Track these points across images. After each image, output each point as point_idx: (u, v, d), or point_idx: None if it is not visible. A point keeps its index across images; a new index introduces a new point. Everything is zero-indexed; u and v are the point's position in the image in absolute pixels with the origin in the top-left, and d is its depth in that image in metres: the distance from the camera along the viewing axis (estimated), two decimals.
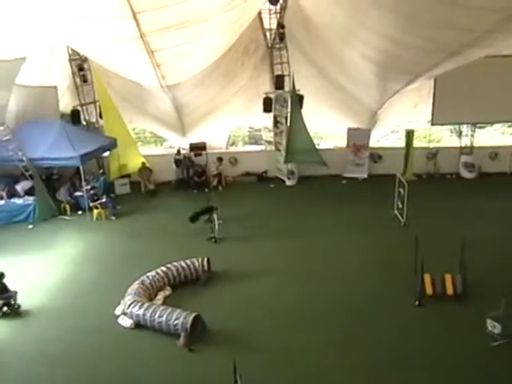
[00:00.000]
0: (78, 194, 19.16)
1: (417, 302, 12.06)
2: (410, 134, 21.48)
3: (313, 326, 11.39)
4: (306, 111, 20.01)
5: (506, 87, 20.59)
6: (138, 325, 11.40)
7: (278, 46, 20.11)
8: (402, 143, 22.59)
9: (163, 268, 13.12)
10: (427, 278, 12.35)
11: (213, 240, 15.74)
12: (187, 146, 21.76)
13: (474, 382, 9.64)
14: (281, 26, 19.23)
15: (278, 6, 18.60)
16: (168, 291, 12.83)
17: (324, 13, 16.07)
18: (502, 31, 11.05)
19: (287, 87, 20.22)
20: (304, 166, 21.42)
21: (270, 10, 18.90)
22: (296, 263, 14.36)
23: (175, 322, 10.90)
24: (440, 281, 12.42)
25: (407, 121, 22.79)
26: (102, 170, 21.16)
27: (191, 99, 19.31)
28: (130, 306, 11.54)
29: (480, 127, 23.54)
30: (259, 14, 18.55)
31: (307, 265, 14.26)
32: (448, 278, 12.45)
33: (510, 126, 23.54)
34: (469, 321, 11.39)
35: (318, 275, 13.62)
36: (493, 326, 10.80)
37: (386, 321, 11.53)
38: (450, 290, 12.33)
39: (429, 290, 12.29)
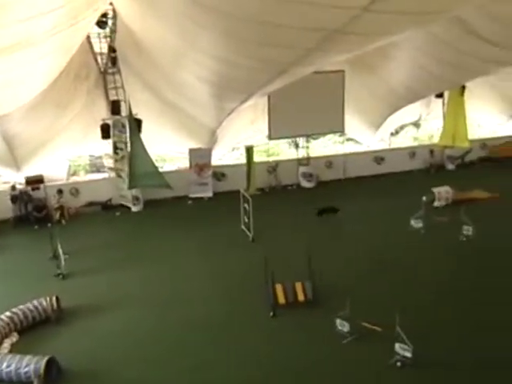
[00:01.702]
0: None
1: (271, 313, 12.39)
2: (249, 150, 22.13)
3: (174, 352, 11.22)
4: (146, 135, 19.85)
5: (333, 100, 22.03)
6: None
7: (110, 70, 19.67)
8: (244, 159, 23.16)
9: (7, 313, 12.06)
10: (279, 288, 12.76)
11: (60, 276, 14.99)
12: (23, 180, 20.59)
13: (332, 381, 10.12)
14: (112, 49, 18.69)
15: (108, 30, 18.02)
16: (15, 337, 11.79)
17: (155, 36, 16.06)
18: (323, 49, 11.74)
19: (124, 112, 19.97)
20: (149, 191, 21.17)
21: (99, 33, 18.32)
22: (150, 291, 14.07)
23: (26, 370, 9.89)
24: (291, 289, 12.89)
25: (246, 137, 23.45)
26: None
27: (22, 130, 18.33)
28: None
29: (314, 138, 24.91)
30: (88, 37, 18.03)
31: (162, 291, 14.02)
32: (298, 285, 12.94)
33: (340, 136, 25.06)
34: (321, 323, 11.90)
35: (174, 300, 13.44)
36: (342, 325, 11.39)
37: (246, 336, 11.70)
38: (301, 297, 12.82)
39: (281, 300, 12.69)
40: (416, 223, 17.45)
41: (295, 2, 9.07)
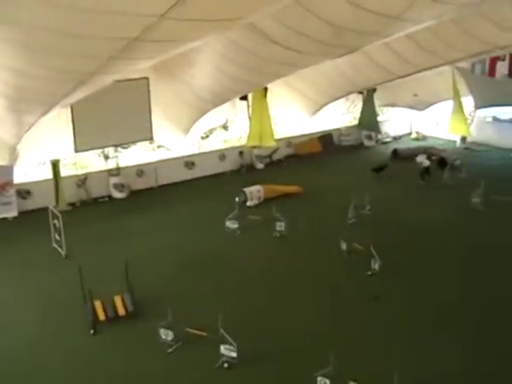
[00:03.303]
0: None
1: (92, 331, 11.94)
2: (55, 164, 21.06)
3: None
4: None
5: (139, 108, 21.82)
6: None
7: None
8: (51, 174, 22.02)
9: None
10: (98, 304, 12.36)
11: None
12: None
13: None
14: None
15: None
16: None
17: None
18: (125, 58, 11.54)
19: None
20: None
21: None
22: None
23: None
24: (110, 304, 12.53)
25: (51, 150, 22.32)
26: None
27: None
28: None
29: (125, 147, 24.39)
30: None
31: None
32: (118, 299, 12.65)
33: (150, 143, 24.86)
34: (145, 335, 11.77)
35: None
36: (166, 334, 11.32)
37: (67, 357, 11.22)
38: (121, 311, 12.53)
39: (101, 316, 12.31)
40: (231, 224, 17.87)
41: (93, 12, 8.79)
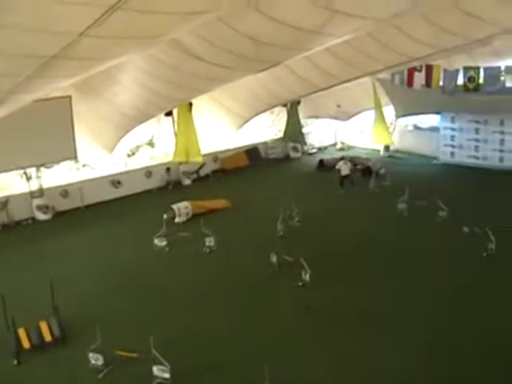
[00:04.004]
0: None
1: (15, 361, 11.44)
2: None
3: None
4: None
5: (62, 127, 21.27)
6: None
7: None
8: None
9: None
10: (21, 331, 11.85)
11: None
12: None
13: None
14: None
15: None
16: None
17: None
18: (44, 76, 11.26)
19: None
20: None
21: None
22: None
23: None
24: (36, 330, 12.06)
25: None
26: None
27: None
28: None
29: (48, 167, 23.69)
30: None
31: None
32: (43, 324, 12.20)
33: (75, 162, 24.30)
34: (73, 361, 11.39)
35: None
36: (96, 359, 11.00)
37: None
38: (48, 337, 12.09)
39: (26, 344, 11.81)
40: (160, 241, 17.68)
41: (8, 29, 8.53)
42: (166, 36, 11.70)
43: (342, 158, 24.82)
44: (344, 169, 23.58)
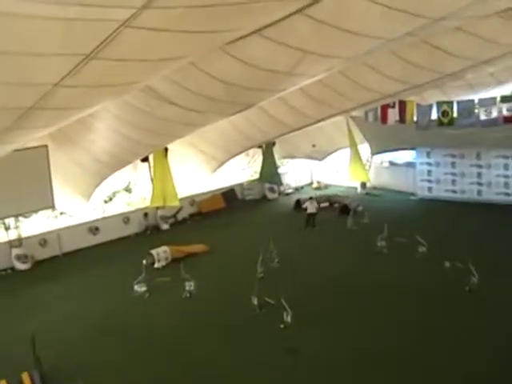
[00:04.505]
0: None
1: None
2: None
3: None
4: None
5: (39, 176, 21.23)
6: None
7: None
8: None
9: None
10: None
11: None
12: None
13: None
14: None
15: None
16: None
17: None
18: (21, 127, 11.33)
19: None
20: None
21: None
22: None
23: None
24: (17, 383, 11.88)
25: None
26: None
27: None
28: None
29: (26, 217, 23.60)
30: None
31: None
32: (26, 377, 12.00)
33: (53, 211, 24.23)
34: None
35: None
36: None
37: None
38: None
39: None
40: (140, 287, 17.58)
41: None
42: (141, 83, 11.92)
43: (311, 198, 25.00)
44: (310, 207, 23.84)
